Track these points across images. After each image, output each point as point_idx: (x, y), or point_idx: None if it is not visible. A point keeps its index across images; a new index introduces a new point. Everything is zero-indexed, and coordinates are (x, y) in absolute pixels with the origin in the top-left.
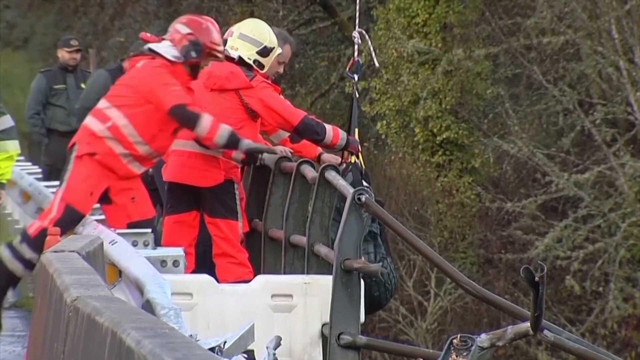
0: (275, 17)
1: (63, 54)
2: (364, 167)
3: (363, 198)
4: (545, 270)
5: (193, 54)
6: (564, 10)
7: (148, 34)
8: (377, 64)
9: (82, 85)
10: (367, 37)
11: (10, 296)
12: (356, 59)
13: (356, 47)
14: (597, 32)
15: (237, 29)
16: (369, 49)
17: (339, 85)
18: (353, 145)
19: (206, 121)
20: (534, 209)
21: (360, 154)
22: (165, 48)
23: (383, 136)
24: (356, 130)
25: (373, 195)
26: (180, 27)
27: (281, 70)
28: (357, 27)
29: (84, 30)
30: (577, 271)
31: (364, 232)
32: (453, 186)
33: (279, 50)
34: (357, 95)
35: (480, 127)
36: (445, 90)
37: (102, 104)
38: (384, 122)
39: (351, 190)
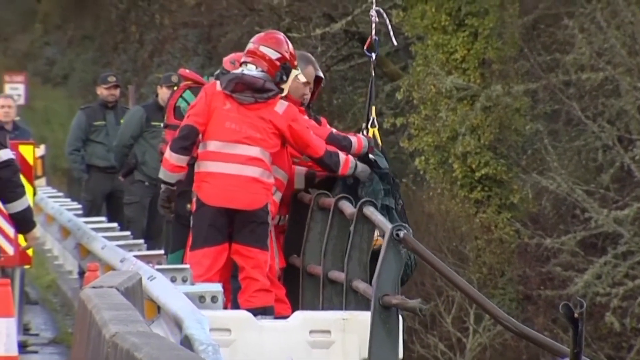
0: (313, 53)
1: (102, 91)
2: (380, 143)
3: (401, 234)
4: (585, 306)
5: None
6: (603, 46)
7: (187, 70)
8: (395, 43)
9: (122, 122)
10: (384, 15)
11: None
12: (374, 37)
13: (373, 25)
14: (637, 68)
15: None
16: (387, 28)
17: (377, 122)
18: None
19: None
20: (573, 245)
21: (376, 130)
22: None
23: (421, 172)
24: (373, 108)
25: (401, 202)
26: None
27: (307, 91)
28: (374, 6)
29: (123, 66)
30: (617, 308)
31: (400, 269)
32: (492, 222)
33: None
34: (374, 75)
35: (519, 163)
36: (483, 126)
37: None
38: (423, 158)
39: (389, 226)
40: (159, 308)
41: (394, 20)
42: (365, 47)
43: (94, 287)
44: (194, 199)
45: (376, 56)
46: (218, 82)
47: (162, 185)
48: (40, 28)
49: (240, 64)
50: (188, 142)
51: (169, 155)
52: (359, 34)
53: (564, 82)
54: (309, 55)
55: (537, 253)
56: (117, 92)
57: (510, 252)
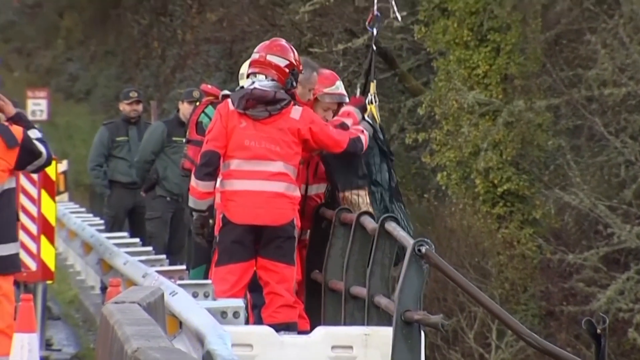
0: (335, 68)
1: (124, 107)
2: (378, 121)
3: (423, 249)
4: (608, 322)
5: None
6: (625, 61)
7: (209, 86)
8: (399, 18)
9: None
10: None
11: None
12: (375, 12)
13: (375, 1)
14: None
15: None
16: (391, 3)
17: (399, 137)
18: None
19: None
20: (595, 261)
21: (374, 107)
22: None
23: (443, 187)
24: (372, 84)
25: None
26: None
27: (310, 96)
28: None
29: (145, 82)
30: None
31: (422, 284)
32: (514, 238)
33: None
34: (375, 48)
35: (541, 178)
36: (506, 141)
37: None
38: (445, 173)
39: (411, 241)
40: (180, 323)
41: (416, 36)
42: (367, 22)
43: (116, 303)
44: (219, 217)
45: (377, 31)
46: (230, 101)
47: (194, 213)
48: (62, 44)
49: (248, 75)
50: (211, 168)
51: (195, 183)
52: (381, 49)
53: (586, 98)
54: (314, 63)
55: (560, 269)
56: (139, 107)
57: (533, 267)
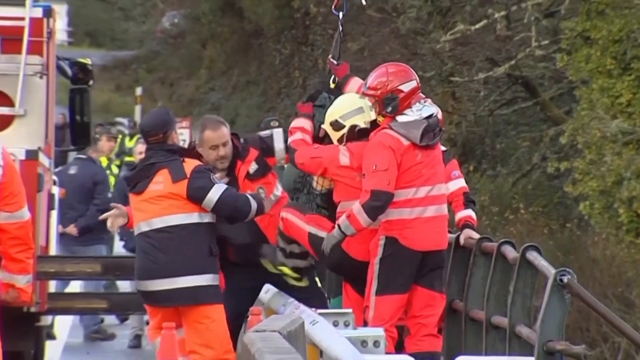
0: (476, 97)
1: None
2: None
3: (565, 279)
4: None
5: None
6: None
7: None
8: (364, 2)
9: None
10: None
11: None
12: None
13: None
14: None
15: None
16: None
17: (541, 166)
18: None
19: None
20: None
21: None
22: None
23: (586, 217)
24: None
25: None
26: None
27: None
28: None
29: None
30: None
31: (565, 315)
32: None
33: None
34: (342, 29)
35: None
36: None
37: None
38: (587, 202)
39: (553, 271)
40: (321, 352)
41: (558, 65)
42: (333, 7)
43: (257, 331)
44: (384, 244)
45: (344, 15)
46: (402, 138)
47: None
48: (205, 74)
49: (414, 101)
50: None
51: (362, 220)
52: (523, 77)
53: None
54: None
55: None
56: None
57: None
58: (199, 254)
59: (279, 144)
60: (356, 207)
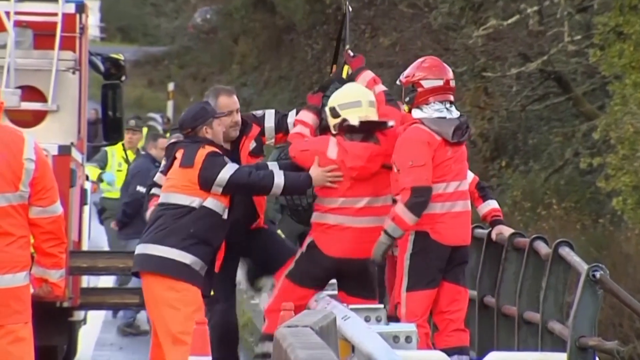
0: (508, 92)
1: None
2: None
3: (597, 275)
4: None
5: None
6: None
7: None
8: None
9: None
10: None
11: None
12: None
13: None
14: None
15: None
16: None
17: (574, 161)
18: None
19: None
20: None
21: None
22: None
23: (619, 212)
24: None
25: None
26: None
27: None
28: None
29: None
30: None
31: (597, 310)
32: None
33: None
34: (350, 10)
35: None
36: None
37: None
38: (620, 198)
39: (585, 266)
40: (353, 347)
41: (591, 60)
42: None
43: (289, 326)
44: (414, 240)
45: None
46: (434, 134)
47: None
48: (237, 69)
49: (434, 100)
50: (427, 204)
51: (408, 218)
52: (555, 73)
53: None
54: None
55: None
56: None
57: None
58: (177, 232)
59: (269, 123)
60: (399, 207)
